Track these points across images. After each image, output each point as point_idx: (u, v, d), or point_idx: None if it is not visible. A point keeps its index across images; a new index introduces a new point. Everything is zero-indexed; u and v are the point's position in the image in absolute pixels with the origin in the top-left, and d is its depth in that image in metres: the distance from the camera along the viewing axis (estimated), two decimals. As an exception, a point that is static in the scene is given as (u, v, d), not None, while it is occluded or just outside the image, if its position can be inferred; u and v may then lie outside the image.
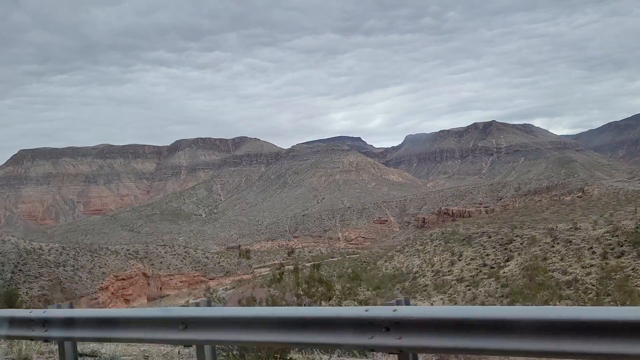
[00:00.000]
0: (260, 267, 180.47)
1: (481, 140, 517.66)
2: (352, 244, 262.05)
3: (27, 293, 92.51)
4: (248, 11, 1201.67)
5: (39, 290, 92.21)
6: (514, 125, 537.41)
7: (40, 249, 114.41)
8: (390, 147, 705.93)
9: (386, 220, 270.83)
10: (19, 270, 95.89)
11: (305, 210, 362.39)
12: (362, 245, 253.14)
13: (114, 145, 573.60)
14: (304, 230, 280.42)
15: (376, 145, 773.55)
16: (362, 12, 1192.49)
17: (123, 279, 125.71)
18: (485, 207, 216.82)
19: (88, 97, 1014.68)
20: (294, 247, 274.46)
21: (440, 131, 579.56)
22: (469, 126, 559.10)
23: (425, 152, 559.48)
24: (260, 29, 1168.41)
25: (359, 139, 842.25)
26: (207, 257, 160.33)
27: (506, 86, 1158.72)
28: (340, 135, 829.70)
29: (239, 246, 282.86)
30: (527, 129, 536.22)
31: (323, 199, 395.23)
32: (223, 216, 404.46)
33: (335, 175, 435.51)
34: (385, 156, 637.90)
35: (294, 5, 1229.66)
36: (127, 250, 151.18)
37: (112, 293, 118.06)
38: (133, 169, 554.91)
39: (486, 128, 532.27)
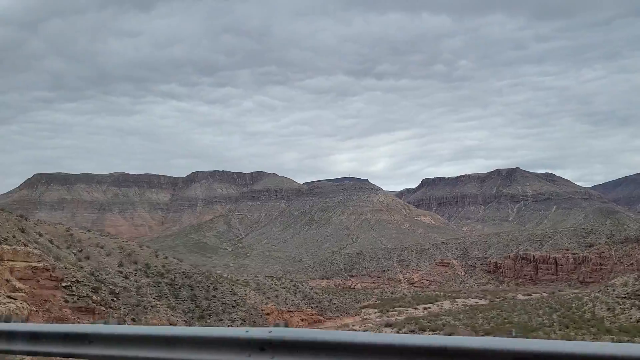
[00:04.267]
0: (363, 307, 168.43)
1: (505, 187, 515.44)
2: (416, 286, 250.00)
3: (230, 327, 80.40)
4: (264, 49, 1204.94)
5: (240, 324, 79.68)
6: (537, 174, 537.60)
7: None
8: (402, 189, 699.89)
9: (449, 263, 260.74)
10: (213, 296, 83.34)
11: (342, 248, 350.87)
12: (429, 289, 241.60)
13: (129, 174, 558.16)
14: (361, 270, 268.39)
15: (384, 188, 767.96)
16: (376, 55, 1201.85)
17: (267, 314, 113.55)
18: (573, 253, 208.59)
19: (95, 127, 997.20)
20: (352, 286, 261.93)
21: (461, 176, 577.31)
22: (491, 172, 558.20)
23: (446, 196, 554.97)
24: (274, 67, 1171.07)
25: (366, 180, 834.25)
26: (317, 294, 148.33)
27: (511, 136, 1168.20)
28: (347, 176, 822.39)
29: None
30: (549, 178, 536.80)
31: (358, 237, 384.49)
32: (252, 251, 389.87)
33: (366, 215, 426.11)
34: (400, 199, 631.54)
35: (311, 45, 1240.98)
36: (237, 280, 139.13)
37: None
38: (148, 199, 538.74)
39: (510, 175, 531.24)
